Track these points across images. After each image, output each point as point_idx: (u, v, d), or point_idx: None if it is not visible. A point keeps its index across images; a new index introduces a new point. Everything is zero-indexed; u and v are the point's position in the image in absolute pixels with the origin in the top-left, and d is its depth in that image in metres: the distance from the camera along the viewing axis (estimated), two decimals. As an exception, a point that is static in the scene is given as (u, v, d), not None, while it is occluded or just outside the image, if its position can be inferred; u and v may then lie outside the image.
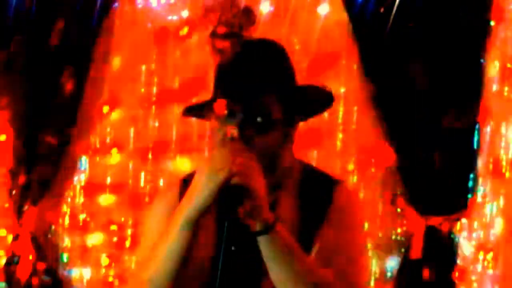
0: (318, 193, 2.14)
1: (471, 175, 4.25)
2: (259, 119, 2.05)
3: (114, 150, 4.73)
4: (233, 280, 2.04)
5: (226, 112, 2.03)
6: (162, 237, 2.03)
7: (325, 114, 4.44)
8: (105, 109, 4.75)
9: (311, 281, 2.01)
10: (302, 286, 2.00)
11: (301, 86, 2.23)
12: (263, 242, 1.98)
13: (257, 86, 2.08)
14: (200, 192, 1.96)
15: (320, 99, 2.25)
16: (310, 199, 2.12)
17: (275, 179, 2.10)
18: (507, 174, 4.17)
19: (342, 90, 4.45)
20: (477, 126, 4.25)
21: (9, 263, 4.77)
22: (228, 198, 1.94)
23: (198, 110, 2.18)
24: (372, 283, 4.43)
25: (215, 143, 2.05)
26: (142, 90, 4.69)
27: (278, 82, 2.14)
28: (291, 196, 2.12)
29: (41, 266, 4.77)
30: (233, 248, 2.05)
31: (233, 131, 2.02)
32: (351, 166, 4.44)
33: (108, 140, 4.77)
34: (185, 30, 4.64)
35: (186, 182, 2.14)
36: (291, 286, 2.00)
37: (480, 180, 4.23)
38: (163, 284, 2.02)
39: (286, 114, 2.10)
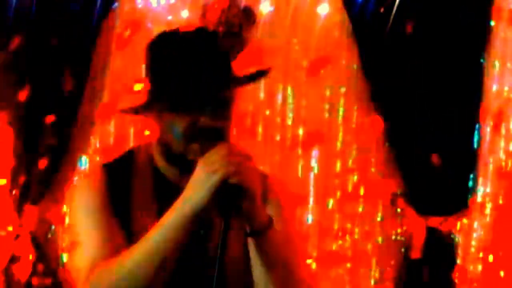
0: None
1: (471, 175, 4.25)
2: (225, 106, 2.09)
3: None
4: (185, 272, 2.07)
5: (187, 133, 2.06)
6: (149, 236, 1.99)
7: (325, 114, 4.47)
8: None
9: (293, 281, 2.07)
10: (288, 284, 2.05)
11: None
12: (256, 243, 1.99)
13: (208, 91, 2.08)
14: (198, 192, 1.96)
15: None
16: None
17: None
18: (507, 175, 4.17)
19: (342, 90, 4.45)
20: (477, 126, 4.25)
21: (9, 263, 4.77)
22: (225, 198, 1.93)
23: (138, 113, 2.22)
24: (372, 283, 4.43)
25: (180, 136, 2.07)
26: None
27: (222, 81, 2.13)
28: None
29: (41, 266, 4.77)
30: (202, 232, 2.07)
31: (204, 119, 2.05)
32: (351, 166, 4.44)
33: (108, 140, 4.76)
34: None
35: (109, 168, 2.19)
36: (275, 282, 2.03)
37: (480, 180, 4.23)
38: (134, 284, 1.98)
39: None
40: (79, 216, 2.15)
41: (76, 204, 2.18)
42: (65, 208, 4.81)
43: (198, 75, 2.08)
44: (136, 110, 2.23)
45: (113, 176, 2.18)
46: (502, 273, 4.14)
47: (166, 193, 2.10)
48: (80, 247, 2.10)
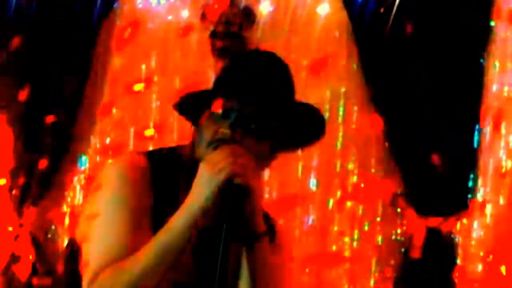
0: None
1: (471, 175, 4.25)
2: (253, 126, 2.04)
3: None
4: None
5: (221, 110, 2.02)
6: (157, 237, 1.98)
7: (326, 114, 4.47)
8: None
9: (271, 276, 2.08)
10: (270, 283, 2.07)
11: (300, 106, 2.22)
12: (248, 251, 2.01)
13: (269, 94, 2.07)
14: (202, 192, 1.96)
15: (312, 130, 2.26)
16: None
17: None
18: (507, 174, 4.17)
19: (342, 90, 4.45)
20: (477, 126, 4.25)
21: (9, 263, 4.77)
22: (229, 198, 1.93)
23: (192, 103, 2.13)
24: (372, 283, 4.43)
25: (205, 142, 2.04)
26: (142, 90, 4.69)
27: (285, 98, 2.13)
28: None
29: (41, 266, 4.77)
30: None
31: (225, 131, 2.02)
32: (351, 166, 4.44)
33: (108, 140, 4.77)
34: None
35: (153, 158, 2.10)
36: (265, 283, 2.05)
37: (480, 180, 4.23)
38: (146, 284, 1.97)
39: (278, 135, 2.09)
40: (110, 205, 2.03)
41: (109, 191, 2.04)
42: (65, 208, 4.81)
43: (267, 84, 2.07)
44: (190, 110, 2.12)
45: (158, 171, 2.08)
46: (502, 273, 4.14)
47: None
48: (99, 241, 2.02)
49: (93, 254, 2.02)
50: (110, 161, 2.06)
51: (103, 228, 2.02)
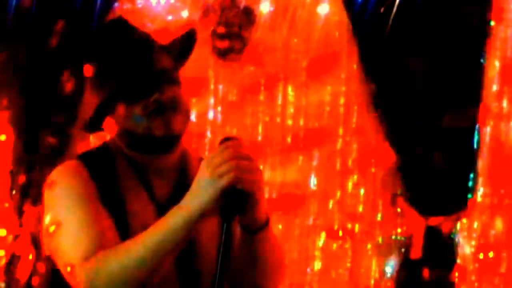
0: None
1: (471, 175, 4.25)
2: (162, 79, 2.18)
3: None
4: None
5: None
6: (148, 234, 1.97)
7: (326, 114, 4.47)
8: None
9: (281, 268, 2.13)
10: (277, 273, 2.10)
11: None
12: (254, 239, 1.99)
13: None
14: (202, 196, 1.93)
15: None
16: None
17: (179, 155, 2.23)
18: (507, 174, 4.17)
19: (342, 90, 4.45)
20: (477, 126, 4.25)
21: (9, 263, 4.77)
22: (229, 203, 1.91)
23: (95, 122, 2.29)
24: (372, 283, 4.43)
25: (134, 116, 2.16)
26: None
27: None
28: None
29: (41, 266, 4.77)
30: None
31: (154, 98, 2.15)
32: (351, 166, 4.44)
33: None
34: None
35: (85, 158, 2.20)
36: (268, 275, 2.07)
37: (480, 180, 4.23)
38: (125, 281, 1.96)
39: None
40: (67, 206, 2.10)
41: (60, 195, 2.12)
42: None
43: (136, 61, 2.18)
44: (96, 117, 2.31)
45: (93, 165, 2.18)
46: (502, 273, 4.14)
47: (144, 176, 2.18)
48: (71, 239, 2.05)
49: (70, 252, 2.04)
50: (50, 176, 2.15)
51: (72, 224, 2.07)
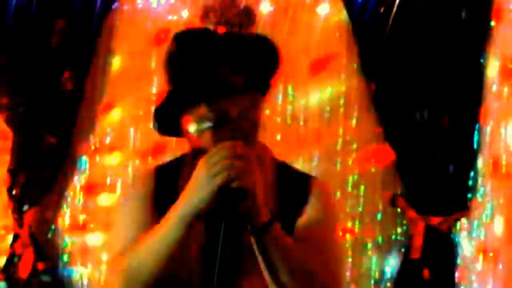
0: (294, 189, 2.17)
1: (471, 175, 4.25)
2: (223, 91, 2.09)
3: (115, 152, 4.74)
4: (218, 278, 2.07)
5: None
6: (153, 232, 2.01)
7: (326, 114, 4.47)
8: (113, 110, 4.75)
9: (304, 274, 2.03)
10: (296, 279, 2.02)
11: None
12: (258, 240, 1.99)
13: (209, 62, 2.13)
14: (197, 195, 1.95)
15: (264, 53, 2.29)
16: (286, 195, 2.16)
17: None
18: (507, 174, 4.17)
19: (342, 90, 4.45)
20: (477, 126, 4.25)
21: (9, 263, 4.77)
22: (225, 201, 1.93)
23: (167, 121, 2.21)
24: (372, 283, 4.43)
25: (195, 133, 2.10)
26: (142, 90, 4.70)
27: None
28: (266, 190, 2.10)
29: (41, 266, 4.78)
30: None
31: (203, 110, 2.08)
32: (351, 166, 4.44)
33: (108, 140, 4.77)
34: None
35: (161, 170, 2.22)
36: (286, 280, 2.01)
37: (480, 180, 4.23)
38: (142, 277, 2.01)
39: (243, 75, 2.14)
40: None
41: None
42: (65, 208, 4.82)
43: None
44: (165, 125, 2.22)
45: (161, 176, 2.23)
46: (502, 273, 4.14)
47: None
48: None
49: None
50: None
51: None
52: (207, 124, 2.09)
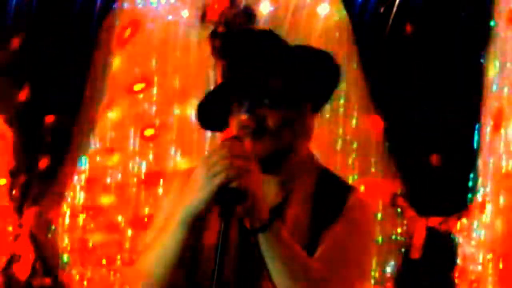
0: (331, 198, 2.17)
1: (471, 175, 4.25)
2: (266, 101, 2.09)
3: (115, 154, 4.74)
4: (234, 278, 2.07)
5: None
6: (161, 231, 2.03)
7: (326, 114, 4.47)
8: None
9: (307, 278, 2.00)
10: (299, 283, 1.99)
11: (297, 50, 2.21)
12: (260, 240, 1.98)
13: (258, 71, 2.11)
14: (196, 195, 1.95)
15: (325, 73, 2.22)
16: (322, 203, 2.15)
17: (287, 173, 2.17)
18: (507, 174, 4.17)
19: (342, 90, 4.45)
20: (477, 126, 4.25)
21: (9, 263, 4.77)
22: (225, 201, 1.92)
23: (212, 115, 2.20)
24: (372, 283, 4.43)
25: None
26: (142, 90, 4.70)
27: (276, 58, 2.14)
28: (303, 197, 2.13)
29: (41, 266, 4.77)
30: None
31: (244, 118, 2.07)
32: (351, 166, 4.44)
33: (108, 140, 4.77)
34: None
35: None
36: (288, 283, 1.99)
37: (480, 180, 4.23)
38: (154, 279, 2.02)
39: (291, 89, 2.13)
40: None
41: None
42: (65, 208, 4.82)
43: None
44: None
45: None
46: (502, 273, 4.14)
47: None
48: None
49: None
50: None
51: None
52: (246, 131, 2.08)
